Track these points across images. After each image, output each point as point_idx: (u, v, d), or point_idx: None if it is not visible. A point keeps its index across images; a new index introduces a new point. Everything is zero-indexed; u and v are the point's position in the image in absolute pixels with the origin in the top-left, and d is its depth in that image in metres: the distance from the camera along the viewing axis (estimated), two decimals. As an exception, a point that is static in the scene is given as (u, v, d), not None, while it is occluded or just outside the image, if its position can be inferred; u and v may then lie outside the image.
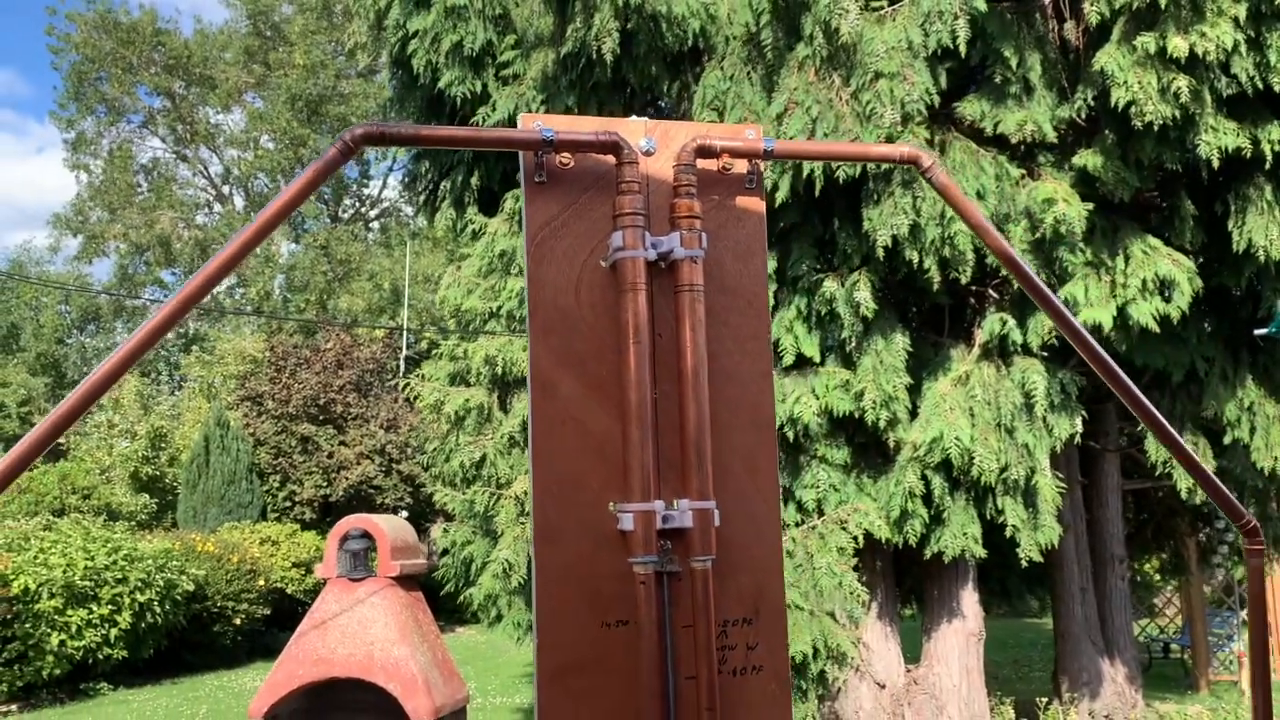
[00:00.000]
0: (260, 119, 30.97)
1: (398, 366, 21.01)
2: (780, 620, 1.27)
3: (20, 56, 55.45)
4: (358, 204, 35.21)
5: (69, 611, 12.97)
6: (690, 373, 1.24)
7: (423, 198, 8.40)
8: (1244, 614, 13.21)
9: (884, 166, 5.63)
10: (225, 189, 33.43)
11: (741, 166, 1.29)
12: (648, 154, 1.25)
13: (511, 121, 6.23)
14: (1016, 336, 6.31)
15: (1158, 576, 16.43)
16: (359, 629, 6.70)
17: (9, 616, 12.59)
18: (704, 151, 1.24)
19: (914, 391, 6.42)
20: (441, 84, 7.05)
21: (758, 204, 1.32)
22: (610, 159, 1.23)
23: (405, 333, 23.48)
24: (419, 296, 26.96)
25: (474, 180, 7.68)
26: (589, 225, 1.26)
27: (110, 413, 20.68)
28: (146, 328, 1.06)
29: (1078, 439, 6.74)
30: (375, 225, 35.02)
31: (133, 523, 17.00)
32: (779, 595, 1.28)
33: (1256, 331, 6.93)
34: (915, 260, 5.85)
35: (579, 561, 1.23)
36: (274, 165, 31.54)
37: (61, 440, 21.30)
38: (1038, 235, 6.08)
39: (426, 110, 7.97)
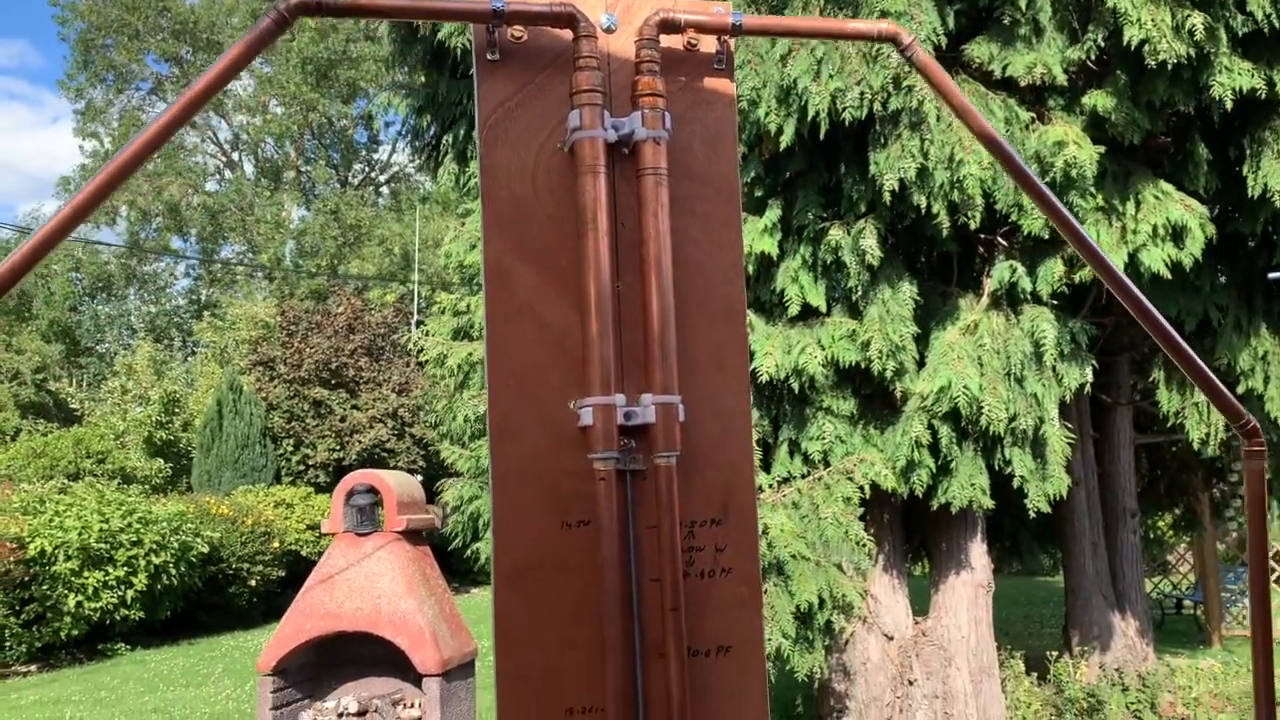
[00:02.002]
0: (269, 83, 30.83)
1: (409, 330, 21.01)
2: (750, 522, 1.21)
3: (32, 27, 55.33)
4: (367, 169, 35.08)
5: (85, 573, 13.09)
6: (653, 261, 1.18)
7: (425, 153, 8.31)
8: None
9: (891, 107, 5.52)
10: (235, 155, 33.34)
11: (709, 45, 1.22)
12: (609, 31, 1.18)
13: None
14: (1026, 284, 6.22)
15: (1170, 533, 16.38)
16: (366, 583, 6.71)
17: (26, 579, 12.71)
18: (668, 26, 1.17)
19: (921, 341, 6.34)
20: (441, 35, 6.95)
21: (728, 86, 1.25)
22: (568, 33, 1.16)
23: (417, 297, 23.46)
24: (429, 261, 26.92)
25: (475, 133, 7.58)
26: (546, 106, 1.19)
27: (124, 378, 20.75)
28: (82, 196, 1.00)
29: (1089, 390, 6.66)
30: (385, 190, 34.90)
31: (147, 486, 17.11)
32: (749, 496, 1.22)
33: (1271, 275, 6.81)
34: (923, 205, 5.76)
35: (537, 459, 1.18)
36: (283, 130, 31.43)
37: (76, 406, 21.44)
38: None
39: (429, 62, 7.87)
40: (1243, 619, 13.45)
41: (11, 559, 12.54)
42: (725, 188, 1.26)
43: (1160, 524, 14.27)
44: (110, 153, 30.62)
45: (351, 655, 6.91)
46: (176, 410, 19.64)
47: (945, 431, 6.09)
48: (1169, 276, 6.03)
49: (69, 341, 28.45)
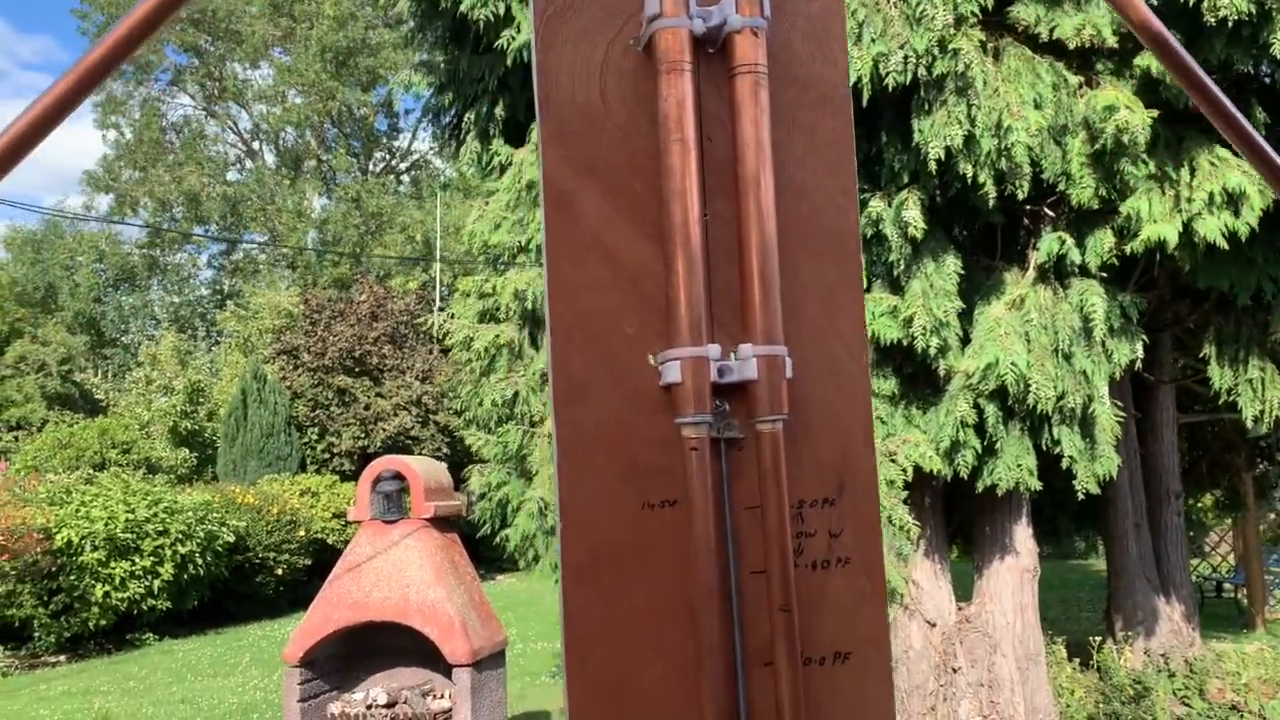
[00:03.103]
0: (288, 72, 30.70)
1: (431, 317, 20.87)
2: (872, 501, 1.00)
3: (57, 23, 55.55)
4: (389, 156, 34.93)
5: (112, 564, 13.04)
6: (751, 180, 0.97)
7: (446, 132, 8.11)
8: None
9: (936, 71, 5.26)
10: (255, 144, 33.27)
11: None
12: (690, -98, 0.98)
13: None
14: (1075, 256, 5.96)
15: (1210, 515, 16.06)
16: (394, 571, 6.54)
17: (54, 569, 12.68)
18: (762, -108, 0.96)
19: (964, 318, 6.10)
20: (463, 7, 6.73)
21: (832, -31, 1.04)
22: (642, -98, 0.95)
23: (439, 284, 23.31)
24: (450, 247, 26.75)
25: (498, 111, 7.38)
26: (615, -3, 0.98)
27: (148, 369, 20.72)
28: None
29: (1138, 365, 6.40)
30: (406, 178, 34.74)
31: (172, 476, 17.06)
32: (870, 469, 1.01)
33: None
34: (969, 174, 5.51)
35: (612, 425, 0.97)
36: (302, 119, 31.31)
37: (100, 397, 21.42)
38: (1097, 147, 5.70)
39: (450, 39, 7.67)
40: (1287, 601, 13.14)
41: (39, 549, 12.50)
42: (834, 95, 1.04)
43: (1201, 505, 13.98)
44: (131, 144, 30.64)
45: (380, 645, 6.76)
46: (201, 400, 19.59)
47: (991, 410, 5.85)
48: (1225, 247, 5.75)
49: (94, 333, 28.52)
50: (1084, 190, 5.73)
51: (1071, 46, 5.76)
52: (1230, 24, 5.17)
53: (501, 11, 6.64)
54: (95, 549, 12.90)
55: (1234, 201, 5.79)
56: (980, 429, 5.93)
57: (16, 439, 20.97)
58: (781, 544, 0.95)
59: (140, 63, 30.73)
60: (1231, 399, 7.10)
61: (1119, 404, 6.46)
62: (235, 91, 31.66)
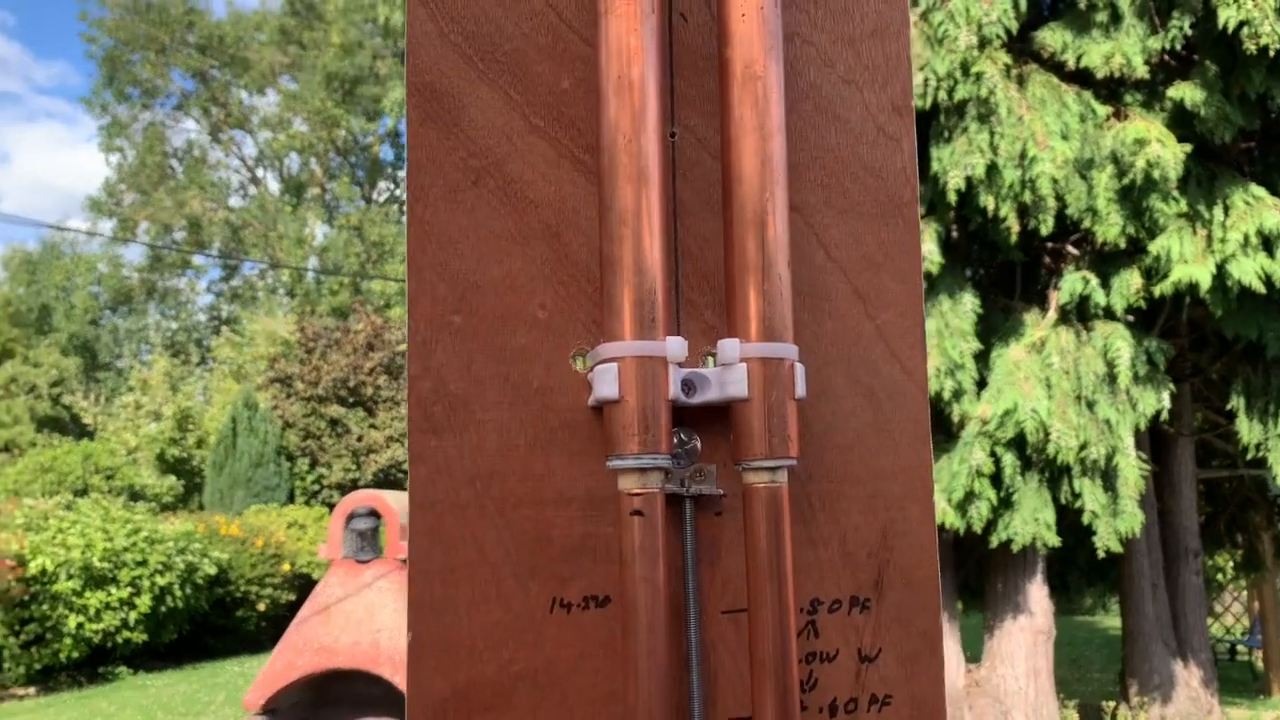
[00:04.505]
0: (294, 99, 30.58)
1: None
2: (928, 601, 0.62)
3: (72, 48, 55.88)
4: (393, 186, 34.75)
5: (87, 593, 12.58)
6: (748, 81, 0.60)
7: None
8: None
9: (958, 96, 4.93)
10: (259, 171, 33.11)
11: None
12: None
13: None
14: (1099, 298, 5.59)
15: (1221, 575, 15.56)
16: (365, 615, 6.12)
17: (26, 598, 12.21)
18: None
19: (981, 360, 5.73)
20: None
21: None
22: None
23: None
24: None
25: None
26: None
27: (138, 394, 20.33)
28: None
29: (1165, 415, 6.01)
30: (411, 209, 34.44)
31: (157, 504, 16.62)
32: (927, 550, 0.63)
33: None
34: (990, 207, 5.15)
35: (504, 469, 0.58)
36: (307, 146, 31.15)
37: (88, 421, 21.00)
38: (1125, 182, 5.35)
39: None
40: (1306, 667, 12.63)
41: (11, 576, 12.05)
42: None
43: (1217, 564, 13.51)
44: (134, 167, 30.45)
45: (348, 694, 6.32)
46: (190, 427, 19.16)
47: (1009, 460, 5.46)
48: (1262, 290, 5.39)
49: (88, 355, 28.15)
50: (1110, 227, 5.38)
51: (1100, 76, 5.44)
52: (1272, 54, 4.83)
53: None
54: (70, 578, 12.47)
55: (1269, 244, 5.44)
56: (996, 479, 5.53)
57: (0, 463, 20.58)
58: (780, 675, 0.57)
59: (146, 87, 30.62)
60: (1260, 455, 6.69)
61: (1143, 456, 6.06)
62: (240, 118, 31.51)
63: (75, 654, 12.76)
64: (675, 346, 0.56)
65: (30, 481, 16.05)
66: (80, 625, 12.60)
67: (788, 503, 0.57)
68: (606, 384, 0.55)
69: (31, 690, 12.67)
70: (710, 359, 0.60)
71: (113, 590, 12.82)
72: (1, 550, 12.02)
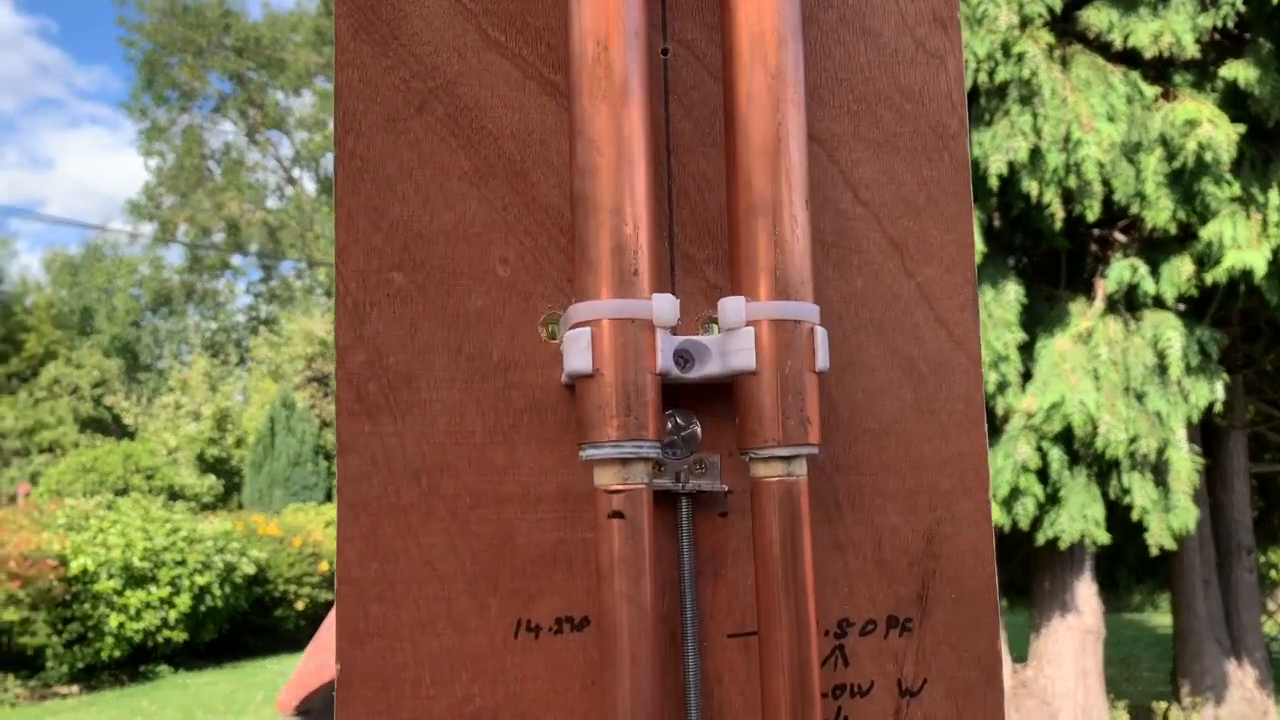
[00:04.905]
0: (328, 99, 30.80)
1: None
2: (986, 621, 0.49)
3: (112, 53, 56.68)
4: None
5: (127, 593, 12.68)
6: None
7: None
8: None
9: (999, 78, 4.77)
10: (295, 172, 33.35)
11: None
12: None
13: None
14: (1149, 286, 5.40)
15: (1275, 571, 15.18)
16: (397, 616, 6.06)
17: (68, 597, 12.33)
18: None
19: (1025, 352, 5.56)
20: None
21: None
22: None
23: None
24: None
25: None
26: None
27: (178, 394, 20.52)
28: None
29: (1218, 407, 5.81)
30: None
31: (196, 504, 16.75)
32: (984, 559, 0.51)
33: None
34: (1034, 193, 4.98)
35: (455, 461, 0.46)
36: (345, 148, 31.31)
37: (129, 421, 21.22)
38: (1175, 165, 5.16)
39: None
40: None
41: (53, 576, 12.18)
42: None
43: (1271, 560, 13.18)
44: (173, 170, 30.76)
45: (381, 695, 6.27)
46: (229, 426, 19.29)
47: (1055, 454, 5.29)
48: (1320, 278, 5.18)
49: (129, 356, 28.48)
50: (1160, 212, 5.19)
51: (1147, 55, 5.25)
52: (1332, 27, 4.64)
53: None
54: (111, 577, 12.59)
55: (1328, 228, 5.23)
56: (1043, 474, 5.36)
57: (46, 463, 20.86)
58: (800, 714, 0.45)
59: (184, 90, 30.91)
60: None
61: (1196, 450, 5.86)
62: (276, 119, 31.73)
63: (117, 653, 12.87)
64: (664, 306, 0.45)
65: (72, 481, 16.23)
66: (121, 625, 12.71)
67: (807, 500, 0.45)
68: (578, 353, 0.44)
69: (75, 689, 12.79)
70: (713, 326, 0.49)
71: (152, 589, 12.92)
72: (44, 550, 12.14)
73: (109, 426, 23.46)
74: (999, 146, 4.87)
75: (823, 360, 0.46)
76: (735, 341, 0.46)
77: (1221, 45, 5.56)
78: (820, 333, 0.46)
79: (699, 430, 0.49)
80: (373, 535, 0.46)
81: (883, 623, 0.49)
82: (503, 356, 0.48)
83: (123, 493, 15.80)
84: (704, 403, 0.49)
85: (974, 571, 0.50)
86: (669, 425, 0.48)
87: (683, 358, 0.47)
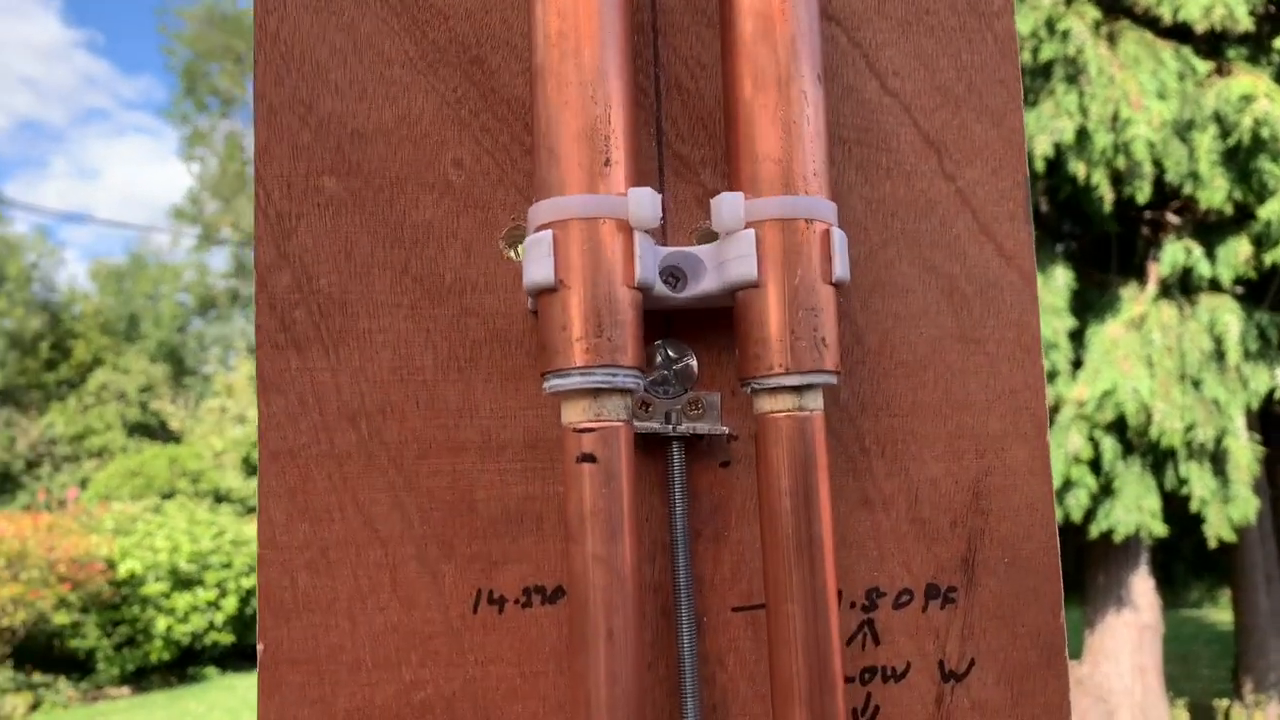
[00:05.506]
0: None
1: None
2: (1049, 596, 0.40)
3: (155, 63, 57.54)
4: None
5: (175, 595, 12.83)
6: None
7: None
8: None
9: (1043, 57, 4.63)
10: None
11: None
12: None
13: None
14: (1204, 269, 5.23)
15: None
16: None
17: (117, 600, 12.49)
18: None
19: (1075, 339, 5.41)
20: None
21: None
22: None
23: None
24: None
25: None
26: None
27: (223, 398, 20.73)
28: None
29: (1279, 393, 5.61)
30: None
31: (242, 506, 16.89)
32: (1041, 515, 0.41)
33: None
34: (1081, 175, 4.83)
35: (400, 403, 0.38)
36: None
37: (175, 426, 21.48)
38: (1230, 143, 4.99)
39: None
40: None
41: (102, 579, 12.36)
42: None
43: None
44: (215, 176, 31.16)
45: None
46: (275, 430, 19.44)
47: (1108, 444, 5.13)
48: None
49: (175, 361, 28.87)
50: (1215, 193, 5.01)
51: (1199, 30, 5.07)
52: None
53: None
54: (158, 580, 12.76)
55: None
56: (1095, 465, 5.20)
57: (95, 467, 21.17)
58: (819, 702, 0.36)
59: (224, 96, 31.29)
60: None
61: (1256, 438, 5.67)
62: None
63: (165, 655, 13.02)
64: (643, 202, 0.36)
65: (119, 486, 16.45)
66: (169, 627, 12.86)
67: (823, 441, 0.37)
68: (538, 261, 0.36)
69: (125, 690, 12.96)
70: (703, 222, 0.40)
71: (199, 592, 13.06)
72: (93, 553, 12.30)
73: (155, 431, 23.75)
74: (1044, 127, 4.73)
75: (841, 269, 0.38)
76: (732, 248, 0.37)
77: (1276, 17, 5.37)
78: (838, 235, 0.38)
79: (695, 364, 0.41)
80: (301, 491, 0.38)
81: (920, 593, 0.40)
82: (457, 278, 0.40)
83: (169, 496, 15.97)
84: (702, 332, 0.41)
85: (1030, 531, 0.42)
86: (658, 358, 0.40)
87: (673, 275, 0.39)
